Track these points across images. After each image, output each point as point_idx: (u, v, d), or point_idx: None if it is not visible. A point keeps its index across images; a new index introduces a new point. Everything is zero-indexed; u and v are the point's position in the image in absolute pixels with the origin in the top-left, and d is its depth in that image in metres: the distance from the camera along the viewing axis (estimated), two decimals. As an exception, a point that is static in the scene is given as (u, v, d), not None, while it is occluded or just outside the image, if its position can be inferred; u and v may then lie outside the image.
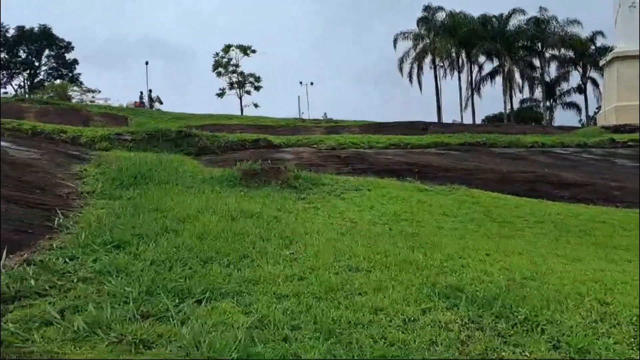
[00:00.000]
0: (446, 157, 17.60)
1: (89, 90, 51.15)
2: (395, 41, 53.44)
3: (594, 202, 11.67)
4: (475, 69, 54.65)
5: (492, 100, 59.03)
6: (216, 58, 54.39)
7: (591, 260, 5.77)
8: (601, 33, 50.71)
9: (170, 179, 9.29)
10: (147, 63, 47.02)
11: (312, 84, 54.92)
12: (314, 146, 19.75)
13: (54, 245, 4.92)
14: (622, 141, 21.18)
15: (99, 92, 49.50)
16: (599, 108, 49.58)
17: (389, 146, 19.78)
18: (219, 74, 54.86)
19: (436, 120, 48.77)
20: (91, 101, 45.43)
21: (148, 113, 37.32)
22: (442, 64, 52.93)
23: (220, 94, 55.03)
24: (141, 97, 44.78)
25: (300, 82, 54.82)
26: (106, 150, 13.76)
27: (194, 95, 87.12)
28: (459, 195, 10.27)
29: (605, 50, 46.71)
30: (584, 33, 51.08)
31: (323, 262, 4.95)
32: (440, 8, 52.77)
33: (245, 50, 53.96)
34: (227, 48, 54.03)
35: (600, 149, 20.43)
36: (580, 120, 55.05)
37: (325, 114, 46.77)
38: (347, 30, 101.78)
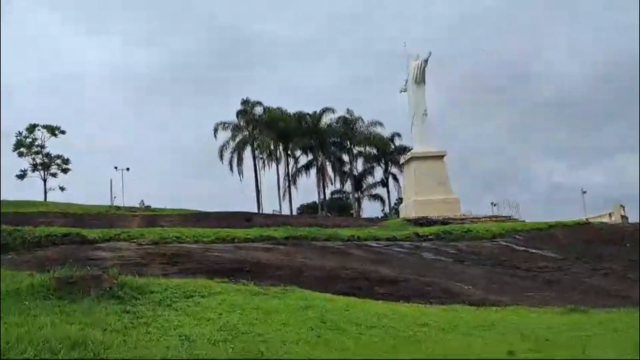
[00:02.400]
0: (274, 253, 17.79)
1: None
2: (215, 130, 54.39)
3: (409, 299, 12.61)
4: (292, 161, 57.72)
5: (307, 190, 62.04)
6: (19, 137, 49.53)
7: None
8: (399, 134, 57.56)
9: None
10: None
11: (128, 169, 51.81)
12: (134, 241, 18.52)
13: None
14: (425, 235, 23.67)
15: None
16: (399, 200, 55.36)
17: (215, 240, 19.41)
18: (20, 154, 49.83)
19: (256, 209, 49.70)
20: None
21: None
22: (261, 156, 54.82)
23: (21, 176, 49.75)
24: None
25: (116, 167, 51.20)
26: None
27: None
28: (293, 299, 10.30)
29: (403, 149, 52.90)
30: (386, 132, 57.57)
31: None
32: (259, 103, 55.45)
33: (53, 130, 50.04)
34: (32, 127, 49.62)
35: (407, 242, 22.50)
36: (384, 210, 60.67)
37: (142, 201, 44.40)
38: (163, 113, 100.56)
